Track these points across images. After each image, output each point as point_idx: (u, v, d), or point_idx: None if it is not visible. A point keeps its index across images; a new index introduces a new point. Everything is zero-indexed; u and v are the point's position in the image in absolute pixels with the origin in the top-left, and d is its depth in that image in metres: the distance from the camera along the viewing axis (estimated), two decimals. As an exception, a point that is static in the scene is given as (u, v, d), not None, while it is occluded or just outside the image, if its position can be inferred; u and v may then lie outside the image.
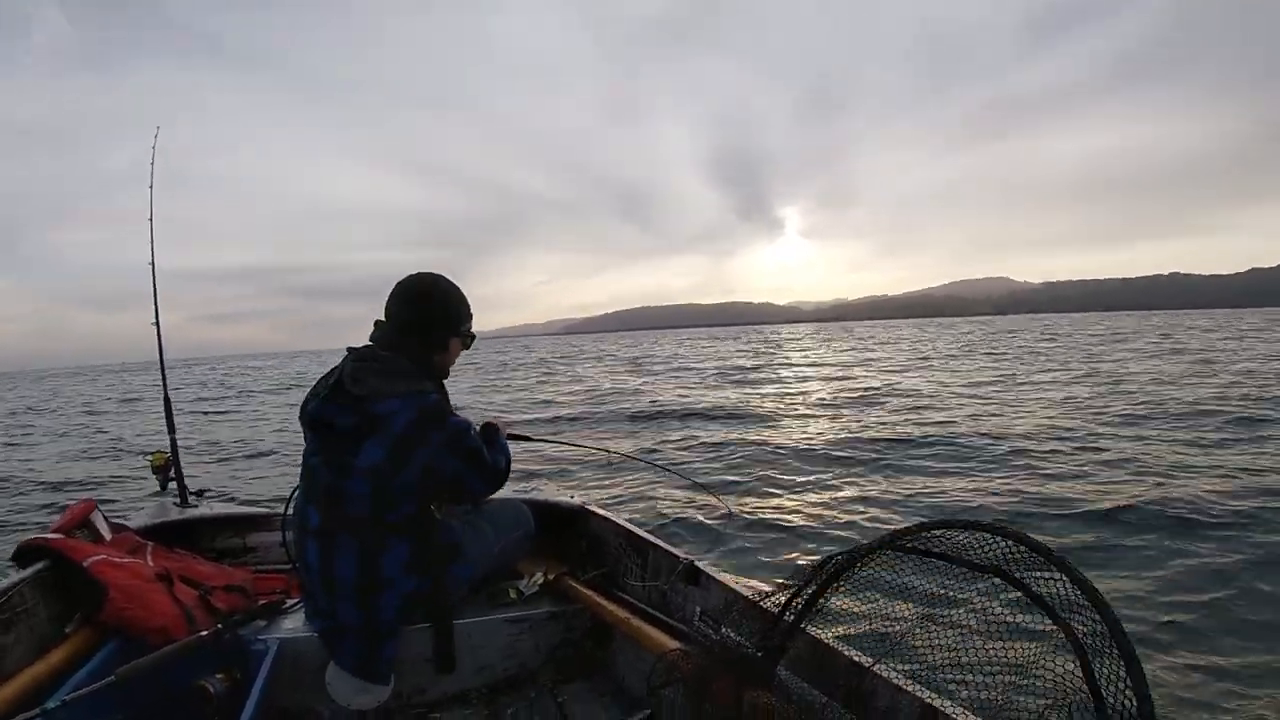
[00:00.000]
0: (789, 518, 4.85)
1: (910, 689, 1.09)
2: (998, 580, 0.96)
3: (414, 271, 1.70)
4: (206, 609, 1.63)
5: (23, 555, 1.61)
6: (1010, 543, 0.94)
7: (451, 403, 1.70)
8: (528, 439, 2.18)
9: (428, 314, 1.65)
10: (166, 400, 2.36)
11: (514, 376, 23.36)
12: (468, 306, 1.71)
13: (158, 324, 2.43)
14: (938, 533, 1.05)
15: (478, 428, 1.75)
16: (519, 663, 1.79)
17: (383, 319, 1.64)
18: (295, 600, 1.75)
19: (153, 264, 2.48)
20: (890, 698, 1.11)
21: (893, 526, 1.35)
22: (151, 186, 2.49)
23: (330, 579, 1.50)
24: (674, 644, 1.45)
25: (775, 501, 5.42)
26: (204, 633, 1.50)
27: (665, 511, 5.04)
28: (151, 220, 2.46)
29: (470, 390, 17.66)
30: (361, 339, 1.66)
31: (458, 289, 1.71)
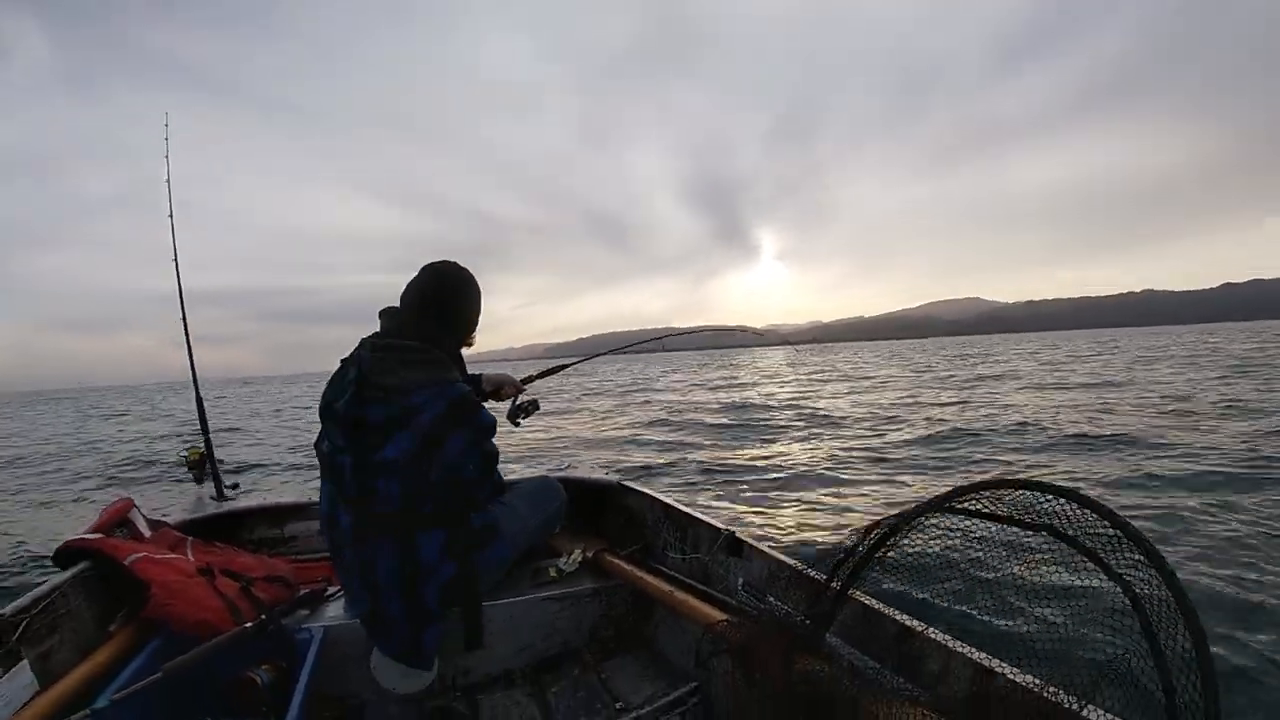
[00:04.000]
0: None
1: (962, 651, 1.09)
2: (1050, 539, 0.95)
3: (428, 265, 1.61)
4: (249, 600, 1.64)
5: (63, 556, 1.62)
6: (1063, 500, 0.93)
7: None
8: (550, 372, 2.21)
9: (469, 307, 1.60)
10: (199, 399, 2.42)
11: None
12: None
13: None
14: (986, 493, 1.04)
15: None
16: (561, 640, 1.80)
17: (394, 306, 1.57)
18: (337, 588, 1.76)
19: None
20: (943, 661, 1.11)
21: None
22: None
23: (371, 577, 1.49)
24: (718, 615, 1.43)
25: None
26: (248, 624, 1.51)
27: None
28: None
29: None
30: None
31: None
